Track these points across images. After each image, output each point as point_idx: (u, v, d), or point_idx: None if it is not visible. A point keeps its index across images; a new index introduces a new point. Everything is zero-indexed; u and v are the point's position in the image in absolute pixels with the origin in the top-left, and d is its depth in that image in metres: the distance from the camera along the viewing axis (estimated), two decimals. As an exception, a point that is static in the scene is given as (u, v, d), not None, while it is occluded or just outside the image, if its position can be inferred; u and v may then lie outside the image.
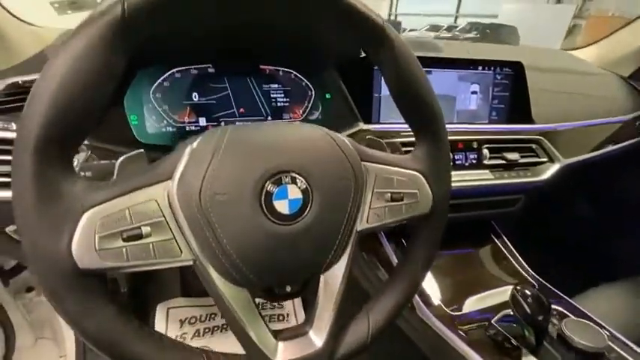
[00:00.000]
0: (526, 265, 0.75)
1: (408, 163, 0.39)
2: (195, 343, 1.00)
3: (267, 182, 0.30)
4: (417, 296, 0.64)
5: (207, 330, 1.02)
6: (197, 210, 0.29)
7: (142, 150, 0.34)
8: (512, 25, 9.32)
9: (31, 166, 0.25)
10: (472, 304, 0.64)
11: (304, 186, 0.31)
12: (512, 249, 0.78)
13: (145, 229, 0.28)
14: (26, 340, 0.92)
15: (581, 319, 0.56)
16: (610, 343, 0.53)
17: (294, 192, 0.31)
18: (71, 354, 0.89)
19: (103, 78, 0.26)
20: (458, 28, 10.39)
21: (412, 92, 0.38)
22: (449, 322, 0.61)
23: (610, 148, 0.88)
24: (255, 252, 0.31)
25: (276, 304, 1.10)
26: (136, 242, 0.28)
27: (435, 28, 10.90)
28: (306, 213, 0.32)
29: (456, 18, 12.09)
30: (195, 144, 0.31)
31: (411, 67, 0.37)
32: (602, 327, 0.58)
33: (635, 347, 0.55)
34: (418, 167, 0.39)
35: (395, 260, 0.69)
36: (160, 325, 1.01)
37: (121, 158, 0.33)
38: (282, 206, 0.31)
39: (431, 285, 0.67)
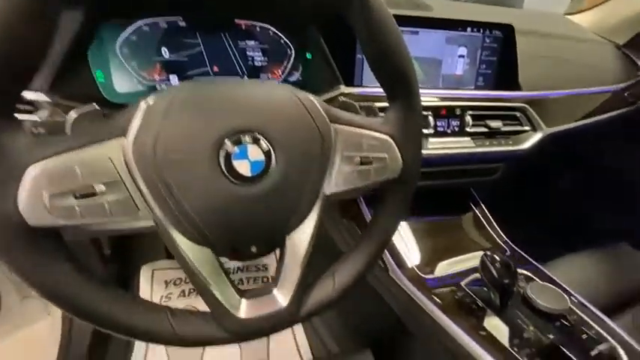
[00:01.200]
0: (501, 232, 0.76)
1: (378, 126, 0.38)
2: (181, 302, 1.02)
3: (226, 142, 0.29)
4: (390, 258, 0.66)
5: (192, 290, 1.04)
6: (153, 169, 0.28)
7: (94, 104, 0.32)
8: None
9: None
10: (444, 268, 0.66)
11: (266, 147, 0.31)
12: (490, 217, 0.79)
13: (99, 187, 0.27)
14: (12, 299, 0.93)
15: (546, 283, 0.58)
16: (571, 305, 0.55)
17: (256, 153, 0.30)
18: (57, 311, 0.91)
19: (33, 21, 0.24)
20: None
21: (386, 55, 0.36)
22: (420, 283, 0.62)
23: (595, 118, 0.87)
24: (215, 213, 0.30)
25: (260, 266, 1.13)
26: (89, 200, 0.27)
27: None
28: (268, 174, 0.31)
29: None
30: (150, 99, 0.30)
31: (386, 27, 0.35)
32: (565, 291, 0.60)
33: (594, 310, 0.58)
34: (388, 131, 0.38)
35: None
36: (144, 287, 1.03)
37: (74, 114, 0.31)
38: (242, 167, 0.30)
39: (405, 248, 0.68)
